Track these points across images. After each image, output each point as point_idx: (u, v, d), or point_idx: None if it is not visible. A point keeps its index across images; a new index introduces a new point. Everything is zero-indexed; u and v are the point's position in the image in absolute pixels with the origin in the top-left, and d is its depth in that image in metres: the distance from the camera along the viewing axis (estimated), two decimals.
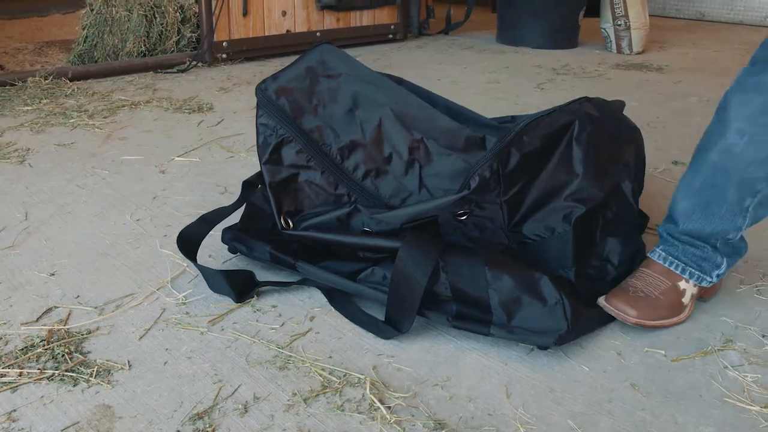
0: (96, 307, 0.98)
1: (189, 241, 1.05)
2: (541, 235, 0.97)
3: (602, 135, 1.03)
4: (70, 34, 3.13)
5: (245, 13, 2.78)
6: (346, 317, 0.97)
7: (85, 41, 2.59)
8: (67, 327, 0.93)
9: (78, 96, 2.17)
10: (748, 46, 3.73)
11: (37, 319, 0.94)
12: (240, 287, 1.01)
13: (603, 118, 1.05)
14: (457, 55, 3.24)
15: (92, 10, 2.57)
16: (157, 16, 2.68)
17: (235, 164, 1.61)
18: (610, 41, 3.50)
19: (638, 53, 3.45)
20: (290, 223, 1.04)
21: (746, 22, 4.87)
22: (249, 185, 1.12)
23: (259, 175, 1.11)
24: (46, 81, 2.26)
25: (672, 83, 2.76)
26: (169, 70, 2.59)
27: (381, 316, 0.96)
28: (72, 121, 1.90)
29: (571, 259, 0.96)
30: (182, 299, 1.01)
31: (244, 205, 1.16)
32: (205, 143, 1.75)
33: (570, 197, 0.97)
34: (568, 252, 0.96)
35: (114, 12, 2.59)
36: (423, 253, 0.93)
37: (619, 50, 3.47)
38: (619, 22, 3.46)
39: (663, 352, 0.92)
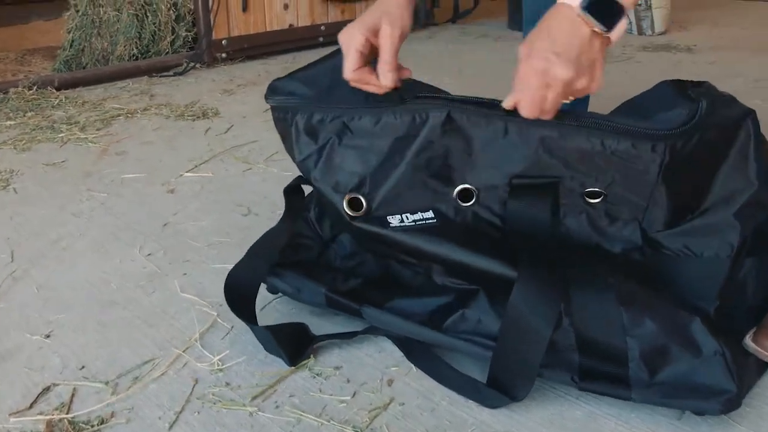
0: (107, 383, 0.75)
1: (239, 291, 0.82)
2: (685, 252, 0.75)
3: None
4: (54, 40, 2.88)
5: (245, 8, 2.54)
6: (434, 379, 0.75)
7: (71, 46, 2.34)
8: (71, 415, 0.70)
9: (66, 106, 1.94)
10: None
11: (31, 405, 0.72)
12: (293, 346, 0.78)
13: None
14: (471, 44, 3.02)
15: (77, 12, 2.33)
16: (148, 14, 2.43)
17: (254, 178, 1.38)
18: (630, 22, 3.28)
19: (660, 34, 3.24)
20: (363, 203, 0.80)
21: None
22: (293, 191, 0.90)
23: (299, 178, 0.89)
24: (30, 91, 2.02)
25: (707, 64, 2.55)
26: (165, 74, 2.36)
27: (477, 373, 0.74)
28: (61, 135, 1.66)
29: (717, 293, 0.74)
30: (218, 364, 0.78)
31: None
32: (217, 154, 1.52)
33: (739, 213, 0.74)
34: (716, 285, 0.74)
35: (101, 13, 2.35)
36: (544, 295, 0.70)
37: (640, 31, 3.25)
38: (639, 2, 3.24)
39: None
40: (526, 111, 0.68)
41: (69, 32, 2.33)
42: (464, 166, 0.78)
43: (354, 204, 0.81)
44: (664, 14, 3.26)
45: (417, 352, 0.78)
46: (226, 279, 0.81)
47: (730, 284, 0.76)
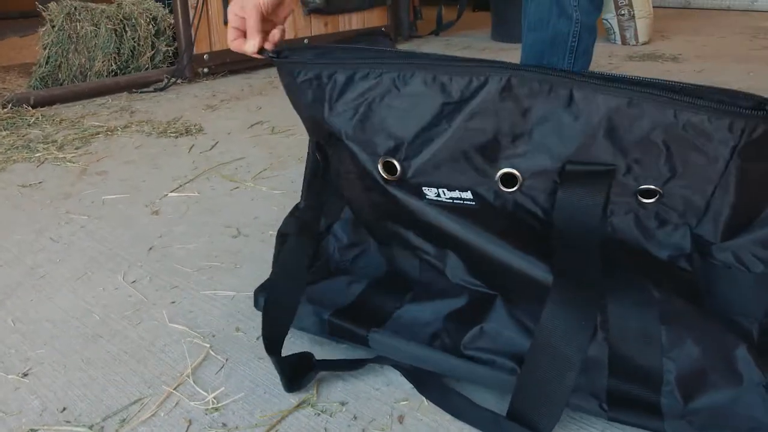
0: (92, 426, 0.69)
1: (277, 317, 0.74)
2: (736, 265, 0.69)
3: None
4: (30, 57, 2.81)
5: (227, 22, 2.48)
6: (449, 412, 0.69)
7: (47, 62, 2.27)
8: None
9: (43, 124, 1.86)
10: (751, 31, 3.55)
11: None
12: (291, 373, 0.72)
13: None
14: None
15: (54, 27, 2.26)
16: (127, 29, 2.37)
17: (242, 197, 1.32)
18: (614, 32, 3.29)
19: (644, 43, 3.25)
20: (397, 167, 0.72)
21: (734, 8, 4.73)
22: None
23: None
24: (5, 109, 1.94)
25: (695, 73, 2.55)
26: (145, 89, 2.29)
27: (492, 402, 0.69)
28: (38, 155, 1.59)
29: (765, 311, 0.70)
30: (212, 402, 0.72)
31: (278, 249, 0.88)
32: (202, 173, 1.46)
33: None
34: (764, 301, 0.69)
35: (78, 28, 2.28)
36: (580, 318, 0.63)
37: (624, 41, 3.26)
38: (622, 12, 3.25)
39: None
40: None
41: (45, 48, 2.26)
42: (514, 144, 0.69)
43: (388, 168, 0.74)
44: (647, 24, 3.27)
45: (428, 384, 0.73)
46: (265, 307, 0.74)
47: None
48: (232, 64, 2.55)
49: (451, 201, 0.72)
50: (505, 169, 0.70)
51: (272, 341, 0.72)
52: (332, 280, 0.82)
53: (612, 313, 0.66)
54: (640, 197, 0.68)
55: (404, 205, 0.74)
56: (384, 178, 0.74)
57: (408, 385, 0.74)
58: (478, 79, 0.67)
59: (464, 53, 3.04)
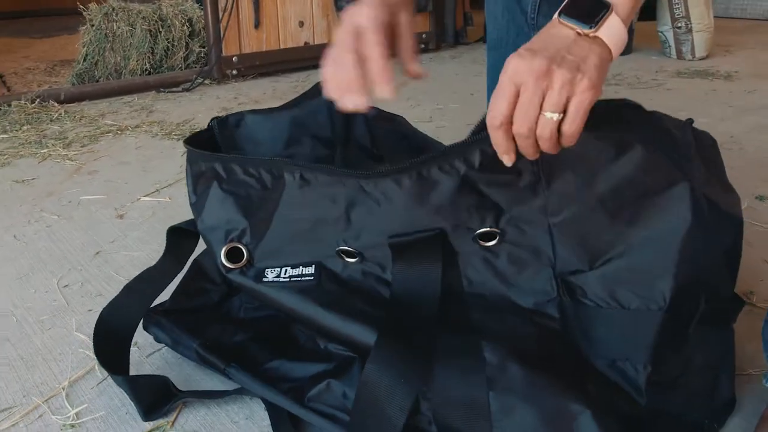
0: None
1: (111, 333, 0.77)
2: (608, 302, 0.65)
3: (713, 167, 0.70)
4: (75, 54, 2.97)
5: (257, 24, 2.53)
6: None
7: (84, 60, 2.39)
8: None
9: (64, 121, 1.96)
10: None
11: None
12: (151, 399, 0.73)
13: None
14: None
15: (92, 26, 2.38)
16: (162, 30, 2.46)
17: None
18: (669, 46, 3.12)
19: (702, 58, 3.06)
20: (245, 254, 0.76)
21: None
22: (181, 233, 0.86)
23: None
24: (33, 104, 2.06)
25: (745, 93, 2.38)
26: (173, 89, 2.37)
27: None
28: (44, 151, 1.68)
29: (648, 353, 0.64)
30: (73, 418, 0.74)
31: (189, 266, 0.89)
32: (184, 177, 1.49)
33: (676, 254, 0.63)
34: (647, 341, 0.63)
35: (115, 27, 2.38)
36: (399, 377, 0.62)
37: (680, 56, 3.08)
38: (679, 24, 3.07)
39: None
40: (519, 124, 0.56)
41: (83, 46, 2.38)
42: (338, 226, 0.71)
43: (234, 254, 0.76)
44: (706, 38, 3.08)
45: (284, 424, 0.72)
46: (98, 318, 0.77)
47: (665, 349, 0.65)
48: (261, 66, 2.59)
49: (288, 279, 0.74)
50: (342, 246, 0.72)
51: (109, 360, 0.73)
52: (226, 322, 0.82)
53: (436, 381, 0.62)
54: (481, 242, 0.65)
55: (248, 289, 0.76)
56: (225, 266, 0.75)
57: (266, 421, 0.73)
58: (276, 173, 0.73)
59: None
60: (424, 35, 3.12)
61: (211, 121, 0.90)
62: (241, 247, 0.76)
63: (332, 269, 0.74)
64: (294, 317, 0.75)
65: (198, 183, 0.81)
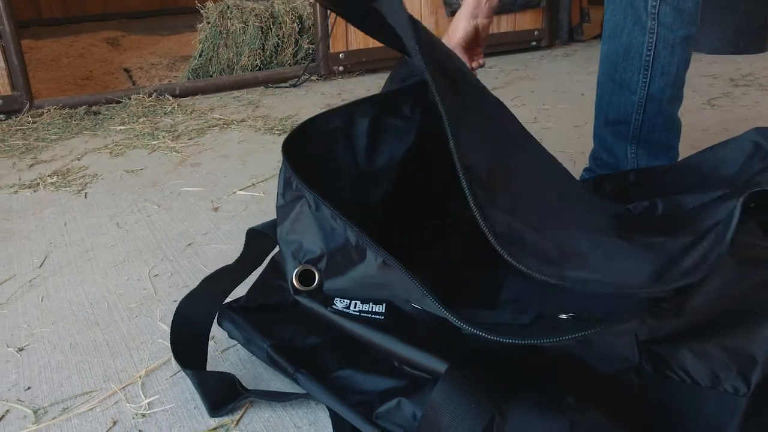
0: (37, 410, 0.75)
1: (189, 327, 0.79)
2: (696, 377, 0.59)
3: None
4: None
5: None
6: None
7: (200, 56, 2.50)
8: None
9: (176, 114, 2.05)
10: None
11: None
12: (216, 395, 0.73)
13: None
14: None
15: (208, 24, 2.48)
16: (273, 27, 2.52)
17: None
18: None
19: None
20: (316, 279, 0.73)
21: None
22: (255, 235, 0.85)
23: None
24: (150, 98, 2.17)
25: None
26: (281, 85, 2.42)
27: None
28: (155, 143, 1.76)
29: None
30: (145, 408, 0.75)
31: (266, 265, 0.89)
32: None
33: (762, 337, 0.56)
34: (731, 427, 0.56)
35: (229, 24, 2.47)
36: (470, 402, 0.58)
37: None
38: None
39: None
40: None
41: (199, 43, 2.49)
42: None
43: (305, 277, 0.73)
44: None
45: None
46: (175, 311, 0.78)
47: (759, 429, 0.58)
48: (368, 63, 2.59)
49: (358, 313, 0.71)
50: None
51: (183, 353, 0.73)
52: (299, 323, 0.81)
53: (512, 417, 0.57)
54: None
55: (315, 313, 0.73)
56: (295, 288, 0.72)
57: (329, 430, 0.71)
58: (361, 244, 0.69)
59: None
60: (535, 32, 3.01)
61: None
62: (314, 271, 0.73)
63: (403, 309, 0.71)
64: (363, 343, 0.72)
65: (287, 190, 0.78)
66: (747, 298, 0.55)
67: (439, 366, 0.64)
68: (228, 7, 2.47)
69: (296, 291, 0.73)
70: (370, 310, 0.71)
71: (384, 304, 0.71)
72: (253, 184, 1.45)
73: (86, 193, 1.43)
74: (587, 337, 0.53)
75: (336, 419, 0.70)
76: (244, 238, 0.86)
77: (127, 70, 2.89)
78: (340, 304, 0.72)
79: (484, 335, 0.57)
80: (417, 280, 0.64)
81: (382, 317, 0.70)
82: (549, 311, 0.71)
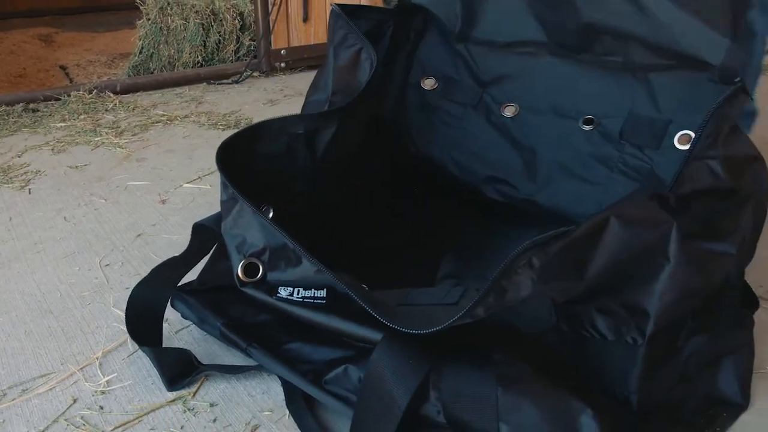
0: None
1: (144, 309, 0.83)
2: (603, 333, 0.67)
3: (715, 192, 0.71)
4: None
5: (306, 19, 2.58)
6: (300, 431, 0.71)
7: (140, 52, 2.49)
8: None
9: (118, 111, 2.05)
10: None
11: None
12: (173, 370, 0.78)
13: None
14: None
15: (148, 20, 2.47)
16: (214, 24, 2.54)
17: None
18: None
19: None
20: (260, 270, 0.77)
21: None
22: (201, 229, 0.89)
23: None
24: (90, 95, 2.16)
25: None
26: (223, 81, 2.44)
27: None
28: (97, 139, 1.77)
29: (636, 383, 0.65)
30: (103, 386, 0.79)
31: (214, 249, 0.94)
32: None
33: (652, 294, 0.65)
34: (633, 373, 0.65)
35: (170, 21, 2.47)
36: (407, 358, 0.65)
37: None
38: None
39: None
40: None
41: (140, 39, 2.48)
42: None
43: (250, 269, 0.78)
44: None
45: (297, 400, 0.75)
46: (130, 295, 0.82)
47: (658, 373, 0.67)
48: (310, 60, 2.64)
49: (301, 299, 0.75)
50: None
51: (139, 333, 0.78)
52: (250, 303, 0.85)
53: (445, 375, 0.64)
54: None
55: (260, 302, 0.77)
56: (241, 280, 0.76)
57: (281, 396, 0.76)
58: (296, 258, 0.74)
59: None
60: None
61: None
62: (258, 263, 0.77)
63: (344, 292, 0.77)
64: (309, 324, 0.77)
65: (225, 190, 0.82)
66: (639, 257, 0.64)
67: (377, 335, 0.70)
68: (168, 4, 2.47)
69: (242, 283, 0.77)
70: (312, 295, 0.75)
71: (325, 289, 0.75)
72: (199, 177, 1.48)
73: (30, 189, 1.43)
74: (453, 324, 0.60)
75: (287, 387, 0.76)
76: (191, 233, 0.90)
77: (63, 68, 2.84)
78: (284, 292, 0.76)
79: (385, 322, 0.64)
80: (346, 285, 0.68)
81: (324, 301, 0.75)
82: (479, 287, 0.79)
